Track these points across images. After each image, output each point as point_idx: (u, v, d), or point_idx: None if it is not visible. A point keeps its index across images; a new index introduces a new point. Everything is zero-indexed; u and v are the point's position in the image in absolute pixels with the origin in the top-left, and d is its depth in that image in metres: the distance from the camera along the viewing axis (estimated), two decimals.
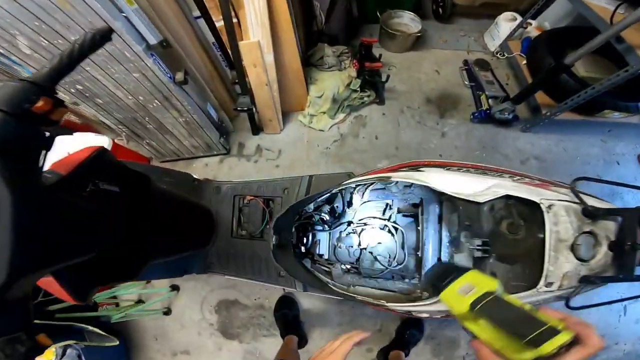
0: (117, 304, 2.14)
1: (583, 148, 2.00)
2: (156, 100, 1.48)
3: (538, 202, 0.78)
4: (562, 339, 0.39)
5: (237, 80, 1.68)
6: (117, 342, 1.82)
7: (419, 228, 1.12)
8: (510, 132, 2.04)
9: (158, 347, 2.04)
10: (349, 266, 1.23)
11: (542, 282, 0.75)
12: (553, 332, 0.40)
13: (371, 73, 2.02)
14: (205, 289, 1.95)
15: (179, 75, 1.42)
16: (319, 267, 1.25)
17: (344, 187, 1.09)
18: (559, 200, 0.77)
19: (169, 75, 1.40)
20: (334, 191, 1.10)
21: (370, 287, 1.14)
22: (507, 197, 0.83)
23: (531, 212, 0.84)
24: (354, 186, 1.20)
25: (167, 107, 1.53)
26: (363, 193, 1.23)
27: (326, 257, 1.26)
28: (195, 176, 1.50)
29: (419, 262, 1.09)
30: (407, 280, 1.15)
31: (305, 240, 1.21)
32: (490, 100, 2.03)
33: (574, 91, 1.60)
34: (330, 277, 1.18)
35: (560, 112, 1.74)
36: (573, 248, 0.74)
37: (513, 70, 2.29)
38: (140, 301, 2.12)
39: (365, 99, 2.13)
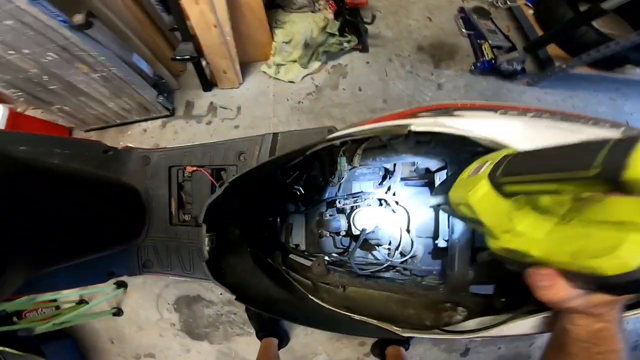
0: (57, 307, 1.87)
1: (591, 105, 1.89)
2: (50, 53, 1.18)
3: None
4: None
5: (176, 26, 1.43)
6: None
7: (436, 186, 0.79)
8: (516, 85, 1.88)
9: (118, 350, 1.86)
10: (335, 259, 0.88)
11: None
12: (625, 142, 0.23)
13: (352, 12, 1.68)
14: (158, 284, 1.70)
15: (79, 18, 1.14)
16: (296, 264, 0.89)
17: (325, 145, 0.71)
18: None
19: (60, 19, 1.11)
20: (311, 151, 0.72)
21: (368, 290, 0.80)
22: None
23: None
24: (340, 145, 0.81)
25: (69, 61, 1.24)
26: (352, 157, 0.85)
27: (302, 248, 0.89)
28: (118, 145, 1.06)
29: (439, 253, 0.76)
30: (418, 279, 0.82)
31: (273, 226, 0.83)
32: (494, 50, 1.87)
33: (594, 44, 1.50)
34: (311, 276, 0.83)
35: (575, 65, 1.64)
36: None
37: (515, 21, 2.11)
38: (82, 302, 1.84)
39: (345, 44, 1.85)
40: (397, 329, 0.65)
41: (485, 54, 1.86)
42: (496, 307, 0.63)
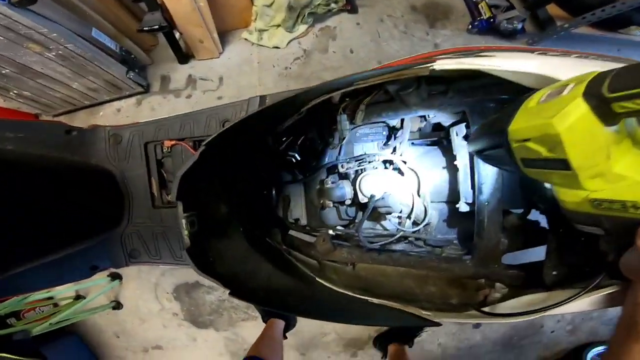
0: (55, 304, 1.83)
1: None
2: None
3: None
4: None
5: None
6: None
7: (455, 163, 0.67)
8: (515, 45, 1.77)
9: (124, 344, 1.85)
10: (340, 232, 0.77)
11: None
12: None
13: None
14: (154, 273, 1.64)
15: None
16: (298, 242, 0.79)
17: (325, 97, 0.59)
18: None
19: None
20: (308, 107, 0.60)
21: (381, 266, 0.71)
22: None
23: None
24: (339, 101, 0.69)
25: (16, 41, 1.13)
26: (354, 114, 0.72)
27: (303, 222, 0.79)
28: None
29: (459, 220, 0.66)
30: (437, 250, 0.72)
31: (269, 200, 0.72)
32: (492, 9, 1.77)
33: (597, 5, 1.42)
34: (315, 255, 0.73)
35: (578, 25, 1.57)
36: None
37: None
38: (79, 297, 1.80)
39: (333, 5, 1.73)
40: (427, 313, 0.56)
41: (483, 13, 1.76)
42: (545, 282, 0.53)
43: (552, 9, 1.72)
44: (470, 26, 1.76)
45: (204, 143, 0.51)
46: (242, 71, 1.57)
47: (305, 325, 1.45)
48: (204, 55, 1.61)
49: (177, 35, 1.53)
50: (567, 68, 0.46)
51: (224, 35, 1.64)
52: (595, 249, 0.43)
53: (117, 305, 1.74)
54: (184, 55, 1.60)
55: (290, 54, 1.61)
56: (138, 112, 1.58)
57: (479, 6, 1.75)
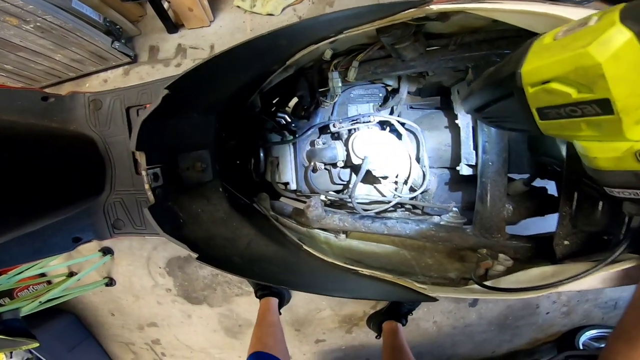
0: (49, 282, 1.82)
1: None
2: None
3: None
4: None
5: None
6: (37, 344, 1.48)
7: (457, 122, 0.62)
8: None
9: (120, 322, 1.85)
10: (333, 198, 0.73)
11: None
12: None
13: None
14: (145, 247, 1.62)
15: None
16: (286, 208, 0.74)
17: (308, 53, 0.53)
18: None
19: None
20: (291, 62, 0.54)
21: (375, 235, 0.66)
22: None
23: None
24: (331, 58, 0.63)
25: None
26: (346, 72, 0.66)
27: (293, 187, 0.74)
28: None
29: (459, 184, 0.61)
30: (435, 219, 0.67)
31: (252, 161, 0.67)
32: None
33: None
34: (305, 222, 0.68)
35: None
36: None
37: None
38: (72, 274, 1.79)
39: None
40: (421, 286, 0.51)
41: None
42: (556, 253, 0.48)
43: None
44: None
45: (165, 86, 0.46)
46: (235, 39, 1.50)
47: (299, 301, 1.44)
48: (194, 24, 1.53)
49: (165, 4, 1.46)
50: (585, 12, 0.40)
51: (215, 3, 1.55)
52: (617, 213, 0.38)
53: (110, 282, 1.72)
54: (173, 25, 1.52)
55: (284, 20, 1.52)
56: (126, 82, 1.51)
57: None
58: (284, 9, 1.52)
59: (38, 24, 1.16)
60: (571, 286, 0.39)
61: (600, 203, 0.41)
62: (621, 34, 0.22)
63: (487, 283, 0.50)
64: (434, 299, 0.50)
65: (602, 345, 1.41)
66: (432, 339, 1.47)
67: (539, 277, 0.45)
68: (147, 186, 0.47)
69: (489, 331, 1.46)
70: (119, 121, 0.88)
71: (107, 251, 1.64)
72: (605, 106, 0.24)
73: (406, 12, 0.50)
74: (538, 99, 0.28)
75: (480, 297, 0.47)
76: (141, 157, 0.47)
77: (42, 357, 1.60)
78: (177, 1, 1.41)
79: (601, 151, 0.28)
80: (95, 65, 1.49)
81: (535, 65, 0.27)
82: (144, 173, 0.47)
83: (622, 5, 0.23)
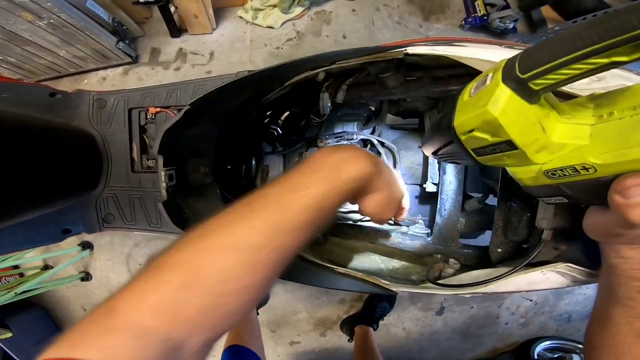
0: (21, 274, 1.76)
1: None
2: None
3: None
4: None
5: None
6: (10, 334, 1.46)
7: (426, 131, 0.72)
8: None
9: None
10: None
11: None
12: None
13: None
14: (127, 244, 1.62)
15: None
16: None
17: (308, 74, 0.62)
18: None
19: None
20: (291, 82, 0.62)
21: (351, 240, 0.75)
22: None
23: None
24: (323, 79, 0.72)
25: (9, 9, 1.13)
26: (336, 93, 0.76)
27: None
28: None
29: (426, 199, 0.70)
30: (404, 228, 0.77)
31: (244, 168, 0.74)
32: (487, 7, 1.81)
33: (591, 10, 1.49)
34: None
35: (567, 29, 1.57)
36: None
37: None
38: (47, 267, 1.76)
39: None
40: (386, 282, 0.60)
41: (478, 10, 1.79)
42: (492, 259, 0.58)
43: (546, 11, 1.76)
44: (463, 22, 1.79)
45: (189, 102, 0.53)
46: (234, 48, 1.57)
47: (277, 302, 1.49)
48: (197, 30, 1.60)
49: (172, 9, 1.51)
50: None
51: (219, 12, 1.63)
52: (534, 226, 0.47)
53: (86, 277, 1.70)
54: (177, 29, 1.58)
55: (283, 34, 1.61)
56: (124, 81, 1.55)
57: (476, 3, 1.80)
58: (283, 23, 1.63)
59: (52, 20, 1.20)
60: (500, 286, 0.48)
61: (524, 218, 0.52)
62: (504, 92, 0.30)
63: (441, 282, 0.59)
64: (395, 293, 0.59)
65: (556, 356, 1.54)
66: (401, 344, 1.55)
67: (476, 278, 0.53)
68: (163, 184, 0.53)
69: (453, 339, 1.56)
70: (120, 121, 0.93)
71: (86, 245, 1.63)
72: (511, 144, 0.32)
73: (389, 52, 0.60)
74: (469, 143, 0.37)
75: (431, 292, 0.56)
76: (160, 160, 0.54)
77: (5, 348, 1.56)
78: (184, 7, 1.47)
79: (523, 173, 0.36)
80: (97, 63, 1.52)
81: (461, 120, 0.36)
82: (162, 174, 0.54)
83: (503, 64, 0.32)
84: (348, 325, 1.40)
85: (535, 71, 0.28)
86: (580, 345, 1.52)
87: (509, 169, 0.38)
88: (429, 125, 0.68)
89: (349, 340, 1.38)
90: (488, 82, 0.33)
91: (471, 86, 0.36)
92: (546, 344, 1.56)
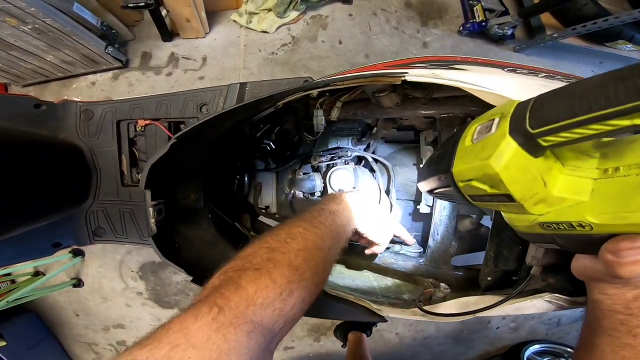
0: (12, 281, 1.76)
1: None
2: None
3: None
4: None
5: None
6: (4, 343, 1.44)
7: (421, 166, 0.71)
8: (502, 50, 1.84)
9: (84, 322, 1.81)
10: None
11: None
12: None
13: None
14: (119, 251, 1.61)
15: None
16: (267, 228, 0.81)
17: (300, 95, 0.61)
18: None
19: None
20: (284, 102, 0.61)
21: (344, 257, 0.75)
22: None
23: None
24: (317, 97, 0.71)
25: None
26: (330, 110, 0.75)
27: (273, 210, 0.81)
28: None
29: (420, 219, 0.70)
30: (396, 247, 0.77)
31: (237, 183, 0.73)
32: (486, 13, 1.81)
33: (592, 17, 1.47)
34: None
35: (567, 36, 1.63)
36: None
37: None
38: (38, 274, 1.74)
39: None
40: (377, 307, 0.60)
41: (477, 16, 1.77)
42: (481, 286, 0.58)
43: (545, 18, 1.74)
44: (461, 28, 1.78)
45: (175, 136, 0.52)
46: (227, 53, 1.54)
47: None
48: (190, 34, 1.56)
49: (163, 12, 1.47)
50: (530, 90, 0.51)
51: (212, 16, 1.59)
52: (523, 260, 0.48)
53: (78, 283, 1.69)
54: (168, 33, 1.54)
55: (278, 39, 1.58)
56: (114, 86, 1.51)
57: (474, 9, 1.78)
58: (278, 28, 1.60)
59: (36, 25, 1.17)
60: (487, 312, 0.49)
61: (515, 251, 0.52)
62: (510, 146, 0.29)
63: (428, 307, 0.59)
64: (384, 320, 0.59)
65: (546, 359, 1.57)
66: (394, 349, 1.57)
67: (465, 305, 0.54)
68: (152, 220, 0.52)
69: (445, 343, 1.58)
70: (108, 133, 0.91)
71: (77, 253, 1.61)
72: (509, 197, 0.31)
73: (386, 77, 0.59)
74: (467, 190, 0.37)
75: (420, 319, 0.57)
76: (147, 195, 0.53)
77: (1, 355, 1.55)
78: (176, 10, 1.44)
79: (518, 221, 0.36)
80: (85, 68, 1.48)
81: (460, 169, 0.35)
82: (150, 210, 0.53)
83: (513, 107, 0.31)
84: (342, 331, 1.41)
85: (547, 127, 0.26)
86: (569, 349, 1.55)
87: (504, 215, 0.38)
88: (426, 162, 0.67)
89: (342, 346, 1.39)
90: (493, 130, 0.31)
91: (474, 129, 0.35)
92: (536, 347, 1.59)
